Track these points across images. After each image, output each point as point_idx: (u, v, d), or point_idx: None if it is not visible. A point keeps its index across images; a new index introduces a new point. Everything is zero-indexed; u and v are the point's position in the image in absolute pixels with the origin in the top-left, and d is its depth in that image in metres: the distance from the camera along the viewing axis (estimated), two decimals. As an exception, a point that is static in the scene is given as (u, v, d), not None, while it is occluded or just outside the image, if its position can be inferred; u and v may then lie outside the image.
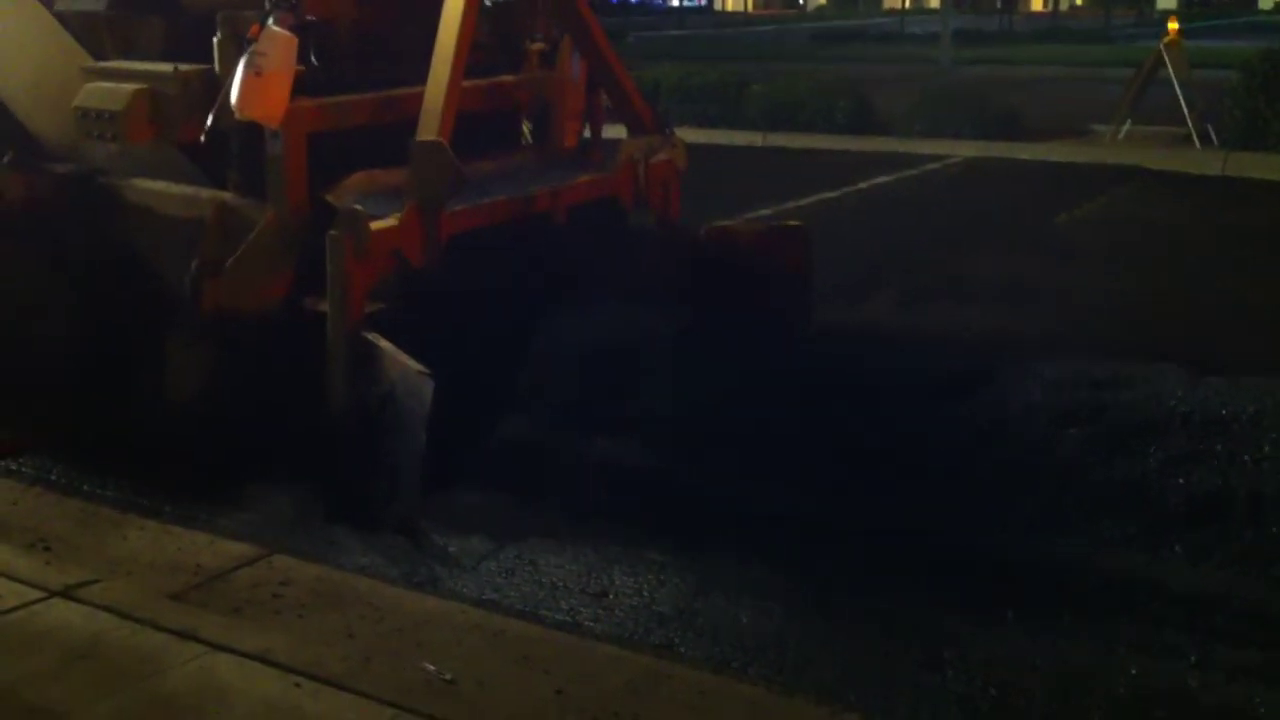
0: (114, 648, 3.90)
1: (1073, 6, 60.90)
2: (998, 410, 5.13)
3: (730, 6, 69.05)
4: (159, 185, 5.94)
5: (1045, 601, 4.32)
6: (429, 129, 5.53)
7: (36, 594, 4.26)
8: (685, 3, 61.20)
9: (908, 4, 62.12)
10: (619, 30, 38.78)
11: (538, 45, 6.90)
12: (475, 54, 6.60)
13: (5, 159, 6.21)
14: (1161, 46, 13.86)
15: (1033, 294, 7.80)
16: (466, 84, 6.17)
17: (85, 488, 5.45)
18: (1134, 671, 3.93)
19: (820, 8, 66.63)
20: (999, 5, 47.02)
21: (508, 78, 6.71)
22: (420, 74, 5.71)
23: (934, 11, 43.18)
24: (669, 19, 49.90)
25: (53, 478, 5.55)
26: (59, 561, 4.61)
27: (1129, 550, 4.55)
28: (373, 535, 4.94)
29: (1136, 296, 7.94)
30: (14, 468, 5.66)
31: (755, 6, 71.04)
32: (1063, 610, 4.25)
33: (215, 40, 5.60)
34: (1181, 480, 4.61)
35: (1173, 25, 13.91)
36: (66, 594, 4.26)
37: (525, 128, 7.13)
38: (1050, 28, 42.54)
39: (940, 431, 5.16)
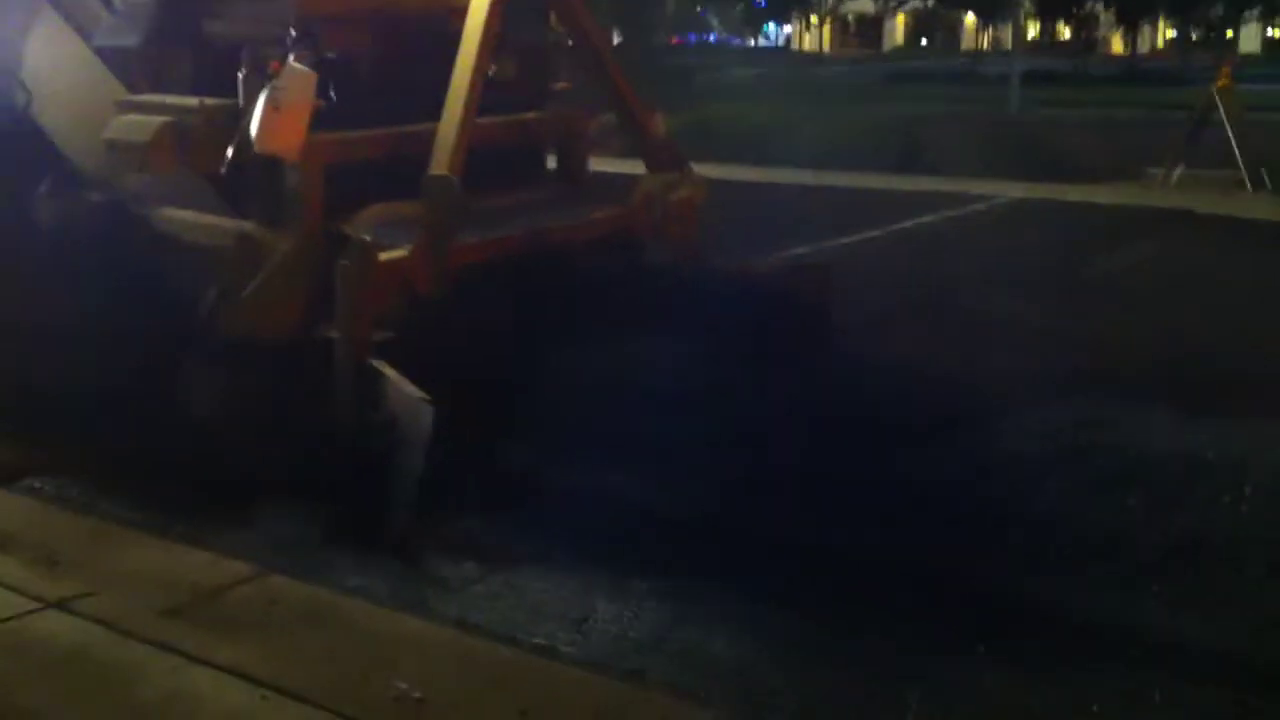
0: (97, 658, 4.06)
1: (1153, 49, 60.49)
2: (996, 449, 5.16)
3: (807, 47, 69.31)
4: (185, 214, 6.14)
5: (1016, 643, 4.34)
6: (440, 163, 5.69)
7: (33, 605, 4.42)
8: (761, 43, 61.49)
9: (986, 45, 62.07)
10: (688, 70, 39.17)
11: (562, 85, 7.06)
12: (500, 91, 6.80)
13: (43, 187, 6.44)
14: (1214, 90, 13.77)
15: (1056, 335, 7.79)
16: (487, 120, 6.36)
17: (101, 506, 5.61)
18: (1099, 715, 3.94)
19: (896, 49, 66.74)
20: (1080, 47, 46.83)
21: (529, 115, 6.86)
22: (437, 109, 5.87)
23: (1010, 53, 43.14)
24: (742, 58, 50.15)
25: (72, 495, 5.73)
26: (61, 575, 4.77)
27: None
28: (368, 557, 5.05)
29: (1164, 342, 7.89)
30: (36, 485, 5.84)
31: (832, 47, 71.30)
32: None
33: (239, 75, 5.80)
34: (1172, 524, 4.61)
35: (1224, 69, 13.85)
36: (61, 605, 4.43)
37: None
38: (1125, 70, 42.32)
39: (936, 469, 5.20)
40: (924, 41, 65.29)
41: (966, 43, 65.34)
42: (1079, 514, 4.80)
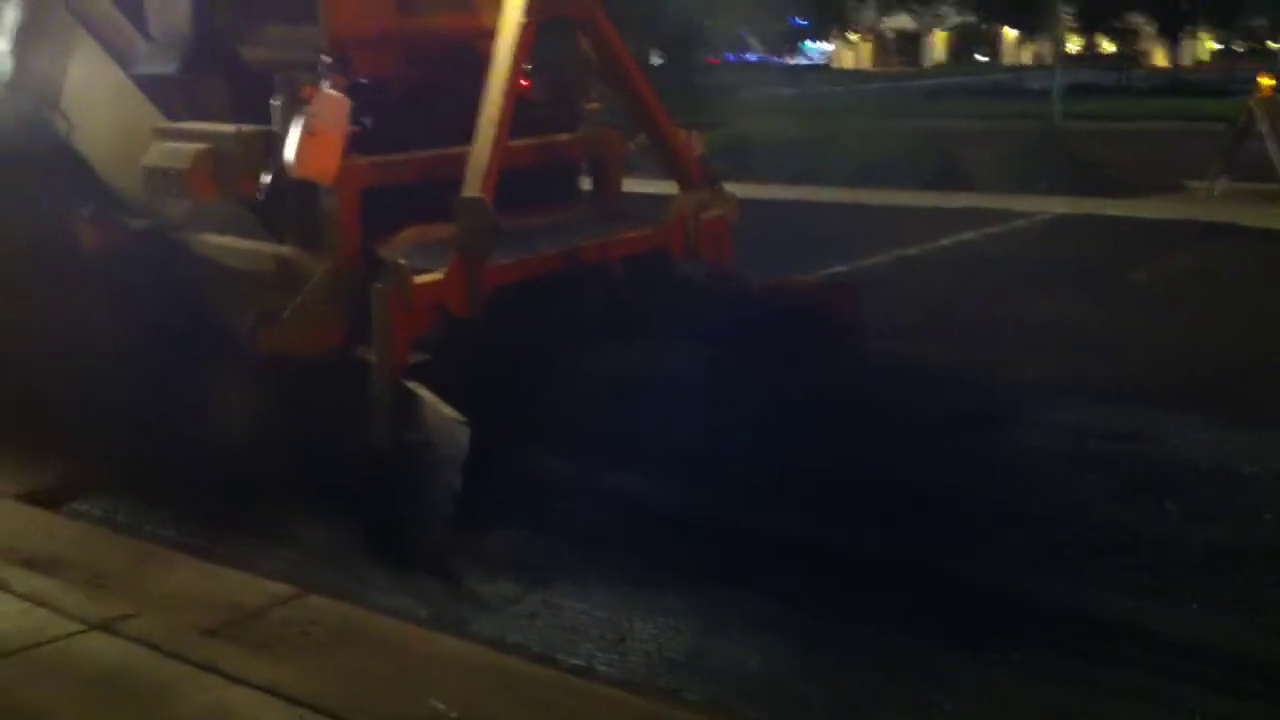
0: (138, 677, 4.10)
1: (1196, 61, 60.06)
2: (1020, 454, 5.16)
3: (847, 64, 69.23)
4: (224, 240, 6.22)
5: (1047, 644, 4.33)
6: (473, 185, 5.73)
7: (77, 626, 4.48)
8: (801, 61, 61.47)
9: (1028, 60, 61.80)
10: (731, 87, 39.19)
11: (594, 104, 7.10)
12: (532, 112, 6.85)
13: (85, 213, 6.54)
14: (1252, 102, 13.67)
15: (1092, 347, 7.75)
16: (519, 142, 6.40)
17: (146, 528, 5.69)
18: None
19: (938, 64, 66.59)
20: (1122, 60, 46.56)
21: (561, 135, 6.91)
22: (470, 131, 5.92)
23: (1051, 67, 42.95)
24: (782, 76, 50.13)
25: (118, 518, 5.81)
26: (106, 596, 4.82)
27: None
28: (406, 576, 5.10)
29: (1199, 353, 7.84)
30: (83, 509, 5.92)
31: (873, 64, 71.15)
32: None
33: (273, 102, 5.87)
34: (1198, 531, 4.59)
35: (1264, 80, 13.73)
36: (105, 627, 4.48)
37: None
38: (1170, 82, 42.01)
39: (965, 479, 5.20)
40: (976, 57, 65.06)
41: (1008, 57, 65.08)
42: (1109, 519, 4.77)
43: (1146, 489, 4.77)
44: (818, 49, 69.68)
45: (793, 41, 54.98)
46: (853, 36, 59.30)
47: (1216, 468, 4.72)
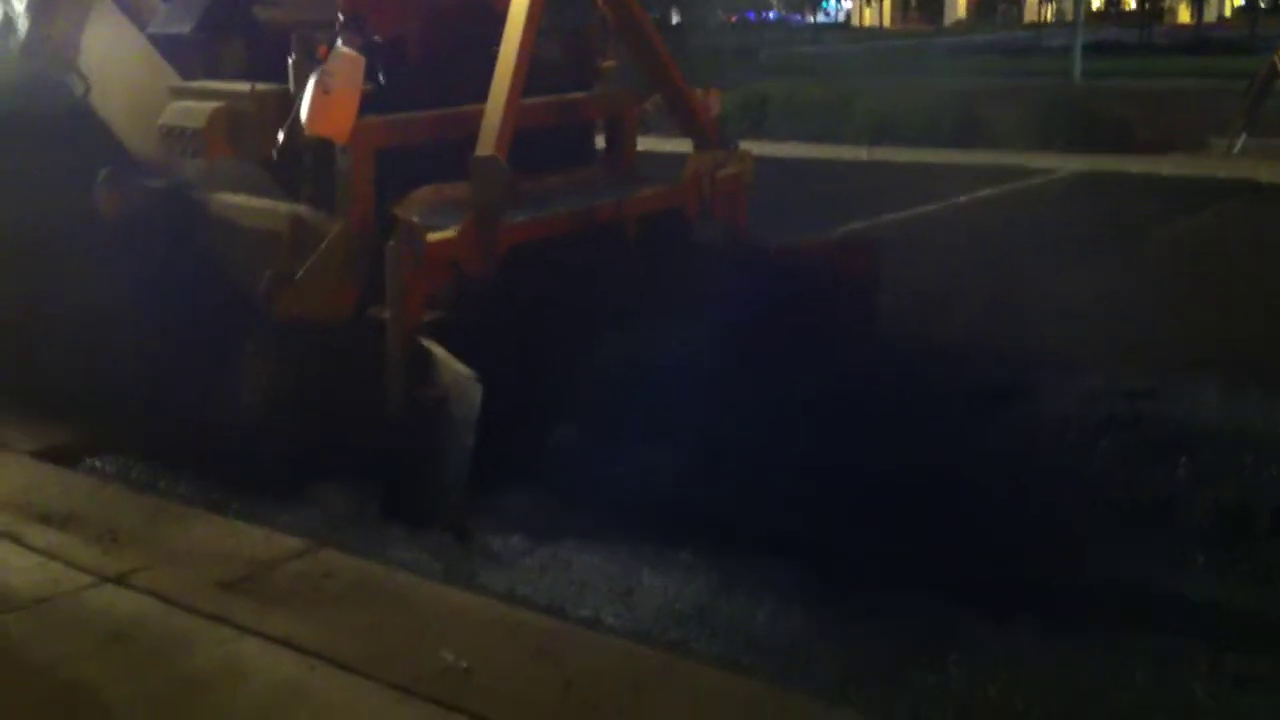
0: (151, 630, 4.17)
1: (1220, 18, 59.44)
2: (1036, 419, 5.17)
3: (868, 22, 68.79)
4: (240, 199, 6.24)
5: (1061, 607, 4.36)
6: (487, 144, 5.74)
7: (90, 579, 4.55)
8: (822, 19, 61.07)
9: (1049, 17, 61.28)
10: (751, 47, 39.03)
11: (608, 64, 7.10)
12: (548, 73, 6.85)
13: (102, 174, 6.57)
14: (1275, 58, 13.57)
15: (1108, 307, 7.74)
16: (534, 101, 6.41)
17: (161, 484, 5.75)
18: (1140, 679, 3.95)
19: (958, 22, 66.10)
20: (1145, 17, 46.09)
21: (576, 95, 6.90)
22: (485, 90, 5.93)
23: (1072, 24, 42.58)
24: (802, 35, 49.89)
25: (132, 475, 5.87)
26: (120, 551, 4.88)
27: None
28: (421, 532, 5.15)
29: (1209, 311, 7.83)
30: (98, 465, 5.99)
31: (892, 22, 70.67)
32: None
33: (289, 60, 5.88)
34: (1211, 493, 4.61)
35: (1286, 36, 13.64)
36: (119, 580, 4.55)
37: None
38: (1193, 39, 41.63)
39: (979, 439, 5.21)
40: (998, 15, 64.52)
41: (1030, 15, 64.53)
42: (1126, 481, 4.79)
43: (1164, 451, 4.76)
44: (838, 6, 69.26)
45: (813, 0, 54.60)
46: (873, -6, 58.84)
47: (1236, 429, 4.73)
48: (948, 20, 68.77)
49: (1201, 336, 7.29)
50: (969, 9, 71.25)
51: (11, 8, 7.17)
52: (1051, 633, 4.24)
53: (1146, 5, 45.05)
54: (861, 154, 14.83)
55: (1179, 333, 7.38)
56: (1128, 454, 4.86)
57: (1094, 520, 4.73)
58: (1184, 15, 61.29)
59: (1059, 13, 62.70)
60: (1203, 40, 40.26)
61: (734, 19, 52.90)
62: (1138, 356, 6.52)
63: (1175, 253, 9.71)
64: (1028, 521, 4.86)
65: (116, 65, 6.74)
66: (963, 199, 12.17)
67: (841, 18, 70.74)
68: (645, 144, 7.56)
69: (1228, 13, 61.53)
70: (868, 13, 68.47)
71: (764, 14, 59.91)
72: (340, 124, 5.69)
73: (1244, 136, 14.03)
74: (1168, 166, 13.65)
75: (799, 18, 57.94)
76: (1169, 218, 10.90)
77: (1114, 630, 4.25)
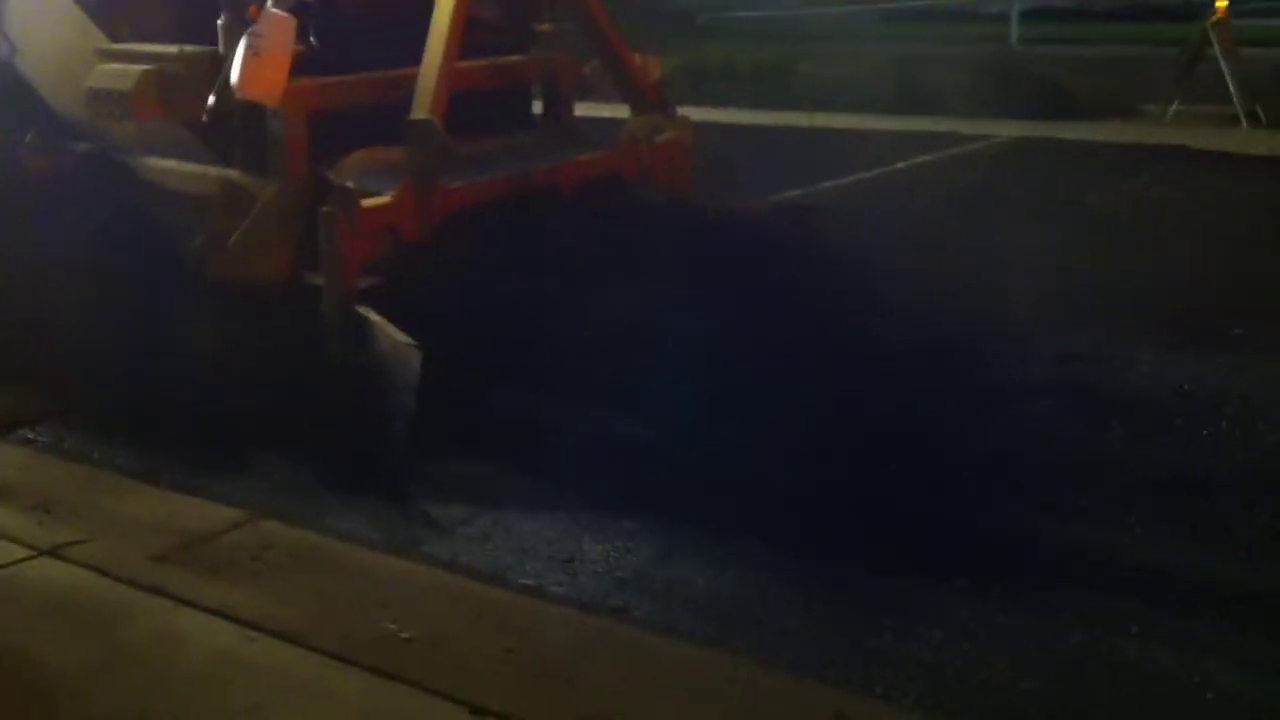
0: (86, 602, 4.12)
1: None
2: (970, 383, 5.20)
3: (807, -14, 68.73)
4: (169, 163, 6.16)
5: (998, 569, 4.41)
6: (422, 106, 5.68)
7: (25, 552, 4.48)
8: (761, -17, 60.98)
9: (987, -17, 61.56)
10: (690, 12, 38.84)
11: (545, 26, 7.04)
12: (484, 34, 6.79)
13: (28, 137, 6.45)
14: (1208, 26, 13.68)
15: (1039, 270, 7.81)
16: (470, 64, 6.35)
17: (94, 455, 5.65)
18: (1074, 640, 4.00)
19: (897, -13, 66.22)
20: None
21: (513, 58, 6.84)
22: (421, 53, 5.86)
23: (1009, -10, 42.69)
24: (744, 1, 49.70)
25: (65, 445, 5.76)
26: (54, 523, 4.82)
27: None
28: (360, 500, 5.10)
29: (1142, 275, 7.92)
30: (30, 436, 5.88)
31: (832, -14, 70.68)
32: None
33: (219, 22, 5.78)
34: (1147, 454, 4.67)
35: (1220, 3, 13.71)
36: (54, 553, 4.48)
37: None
38: (1130, 6, 41.81)
39: (916, 403, 5.24)
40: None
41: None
42: (1069, 446, 4.83)
43: (1101, 413, 4.81)
44: (777, -28, 69.23)
45: (753, -35, 54.44)
46: (812, -41, 58.81)
47: (1171, 391, 4.77)
48: (886, -14, 68.86)
49: (1136, 299, 7.36)
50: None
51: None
52: (984, 596, 4.28)
53: (1083, -29, 45.23)
54: (802, 120, 14.78)
55: (1114, 296, 7.45)
56: (1063, 415, 4.88)
57: (1029, 481, 4.77)
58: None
59: (996, -22, 63.08)
60: (1140, 7, 40.40)
61: (673, -17, 52.65)
62: (1072, 319, 6.57)
63: (1107, 216, 9.79)
64: (961, 484, 4.88)
65: (43, 28, 6.62)
66: (901, 165, 12.18)
67: (780, -17, 70.78)
68: (587, 109, 7.51)
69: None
70: (806, -22, 68.43)
71: (703, -22, 59.86)
72: (271, 86, 5.60)
73: (1176, 104, 14.13)
74: (1101, 132, 13.71)
75: (738, -18, 57.79)
76: (1104, 182, 10.97)
77: (1048, 592, 4.29)
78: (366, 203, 5.50)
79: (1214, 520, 4.48)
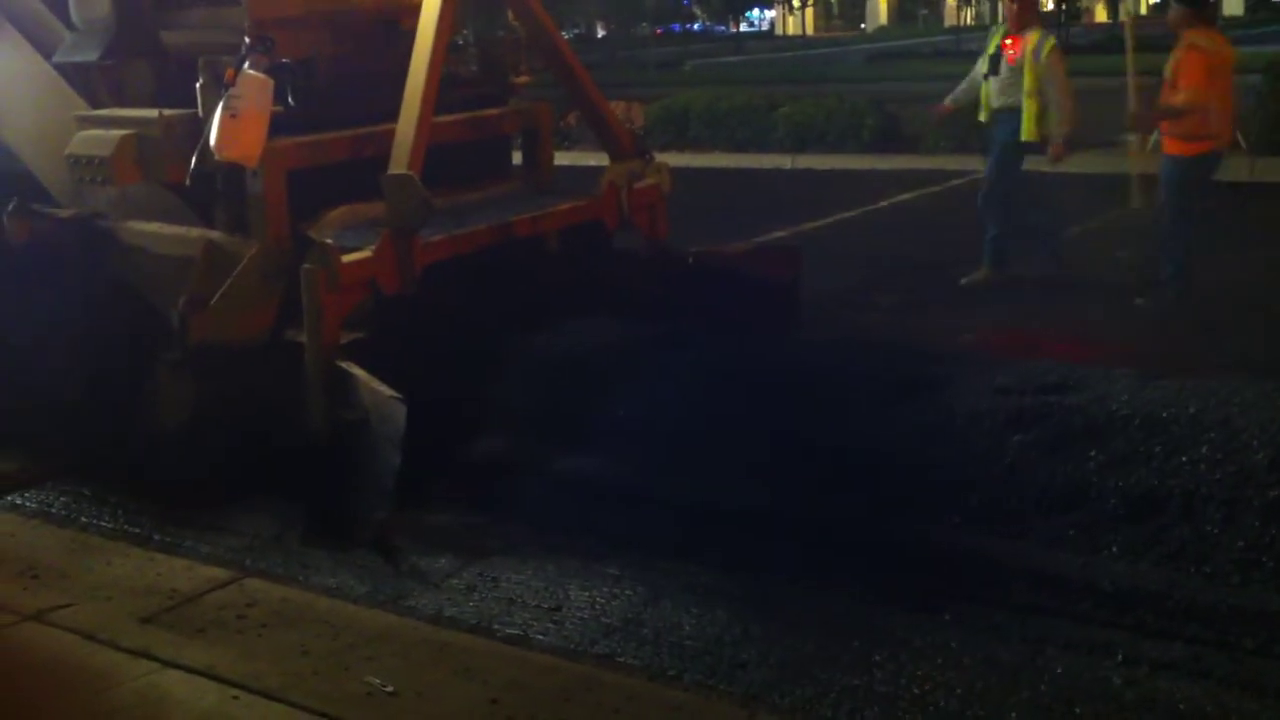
0: (70, 666, 4.12)
1: (1137, 16, 60.42)
2: (948, 412, 5.21)
3: (791, 30, 69.21)
4: (152, 226, 6.19)
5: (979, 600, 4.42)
6: (399, 162, 5.73)
7: (10, 618, 4.48)
8: (746, 28, 61.39)
9: (969, 20, 62.02)
10: (677, 59, 39.16)
11: (523, 78, 7.11)
12: (462, 88, 6.86)
13: (11, 205, 6.48)
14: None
15: (1023, 304, 7.85)
16: (448, 118, 6.41)
17: (82, 519, 5.66)
18: (1059, 670, 4.01)
19: (881, 28, 66.67)
20: (1061, 18, 46.69)
21: (491, 110, 6.90)
22: (398, 108, 5.91)
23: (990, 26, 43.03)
24: (727, 45, 50.08)
25: (53, 510, 5.77)
26: (41, 588, 4.82)
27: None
28: (346, 555, 5.11)
29: (1126, 307, 7.99)
30: (19, 502, 5.89)
31: (816, 29, 71.18)
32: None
33: (197, 85, 5.83)
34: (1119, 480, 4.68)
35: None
36: (38, 617, 4.49)
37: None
38: (1109, 37, 42.15)
39: (892, 433, 5.25)
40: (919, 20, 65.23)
41: (950, 19, 65.31)
42: (1040, 473, 4.85)
43: (1073, 441, 4.83)
44: (762, 15, 69.67)
45: (736, 9, 54.86)
46: (795, 1, 59.25)
47: (1144, 417, 4.79)
48: (870, 26, 69.38)
49: (1113, 329, 7.40)
50: (890, 15, 71.99)
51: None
52: (970, 624, 4.29)
53: (1064, 5, 45.57)
54: (785, 162, 14.91)
55: (1090, 327, 7.49)
56: (1040, 445, 4.90)
57: (1008, 510, 4.78)
58: (1101, 14, 62.22)
59: (978, 15, 63.53)
60: (1119, 39, 40.83)
61: (659, 32, 53.16)
62: (1048, 350, 6.62)
63: (1088, 248, 9.87)
64: (941, 513, 4.89)
65: (22, 94, 6.67)
66: (884, 204, 12.29)
67: (766, 26, 71.19)
68: (569, 158, 7.57)
69: (1144, 10, 62.53)
70: (791, 21, 68.87)
71: (689, 25, 60.25)
72: (249, 148, 5.65)
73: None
74: (1082, 164, 13.78)
75: (723, 28, 58.23)
76: (1084, 214, 11.05)
77: (1031, 619, 4.31)
78: (347, 258, 5.53)
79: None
